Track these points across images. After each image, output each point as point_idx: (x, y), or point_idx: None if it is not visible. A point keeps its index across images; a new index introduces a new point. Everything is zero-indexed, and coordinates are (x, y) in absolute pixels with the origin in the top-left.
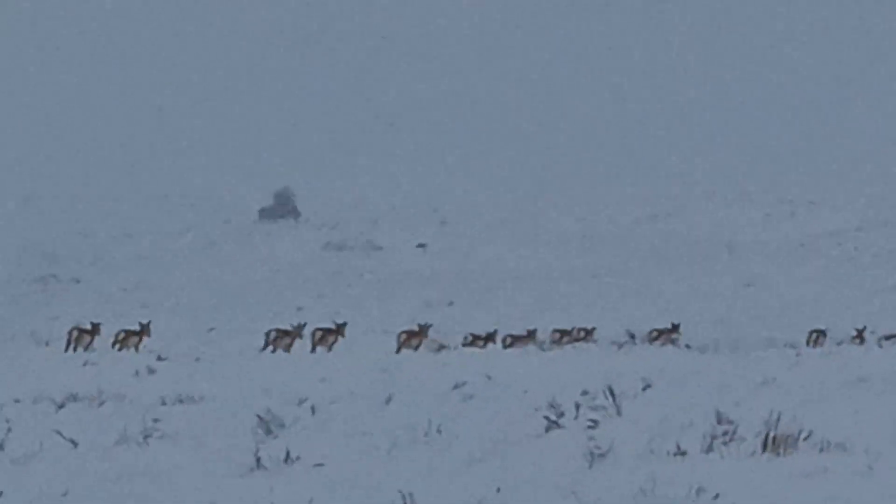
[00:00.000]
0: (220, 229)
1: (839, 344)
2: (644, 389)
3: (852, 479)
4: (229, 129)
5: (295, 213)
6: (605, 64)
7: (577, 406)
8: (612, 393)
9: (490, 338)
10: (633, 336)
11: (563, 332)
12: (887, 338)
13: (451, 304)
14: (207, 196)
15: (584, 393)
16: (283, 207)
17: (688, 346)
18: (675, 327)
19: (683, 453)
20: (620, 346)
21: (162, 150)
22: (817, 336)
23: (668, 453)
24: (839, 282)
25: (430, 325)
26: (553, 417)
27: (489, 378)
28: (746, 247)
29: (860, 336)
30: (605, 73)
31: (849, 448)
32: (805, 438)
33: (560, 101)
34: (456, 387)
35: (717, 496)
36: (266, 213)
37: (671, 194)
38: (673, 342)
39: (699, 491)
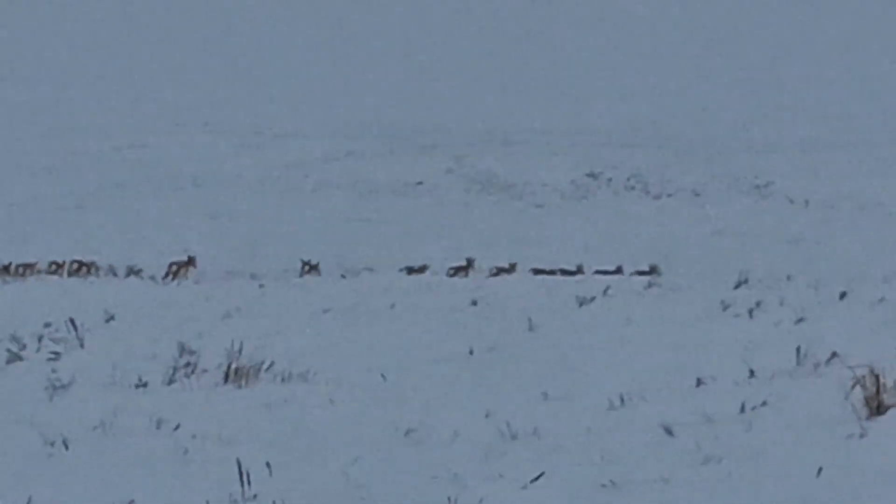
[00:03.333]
0: None
1: (300, 276)
2: (108, 321)
3: (313, 408)
4: None
5: None
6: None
7: (40, 338)
8: (74, 325)
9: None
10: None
11: (81, 264)
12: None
13: None
14: None
15: (47, 325)
16: None
17: (152, 278)
18: (192, 260)
19: (145, 385)
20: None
21: None
22: (309, 267)
23: (130, 385)
24: (309, 211)
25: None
26: (14, 349)
27: None
28: (213, 178)
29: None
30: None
31: (310, 378)
32: (267, 369)
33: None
34: None
35: (177, 427)
36: None
37: (133, 126)
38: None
39: (160, 422)
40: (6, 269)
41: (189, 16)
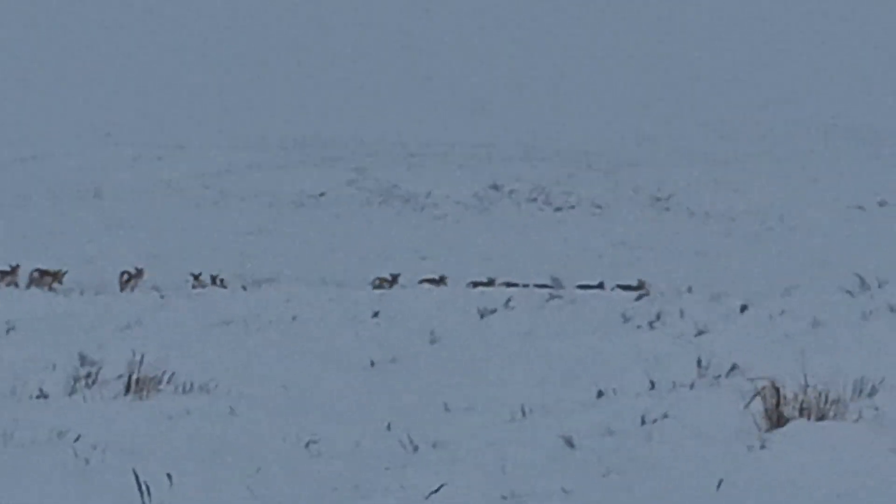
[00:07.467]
0: None
1: (201, 287)
2: (8, 332)
3: (214, 420)
4: None
5: None
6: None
7: None
8: None
9: None
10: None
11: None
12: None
13: None
14: None
15: None
16: None
17: (52, 289)
18: (140, 271)
19: (46, 396)
20: None
21: None
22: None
23: (31, 396)
24: (210, 223)
25: None
26: None
27: None
28: (115, 189)
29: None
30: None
31: (211, 390)
32: (168, 380)
33: None
34: None
35: (78, 438)
36: None
37: (35, 137)
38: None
39: (61, 433)
40: None
41: (91, 26)
